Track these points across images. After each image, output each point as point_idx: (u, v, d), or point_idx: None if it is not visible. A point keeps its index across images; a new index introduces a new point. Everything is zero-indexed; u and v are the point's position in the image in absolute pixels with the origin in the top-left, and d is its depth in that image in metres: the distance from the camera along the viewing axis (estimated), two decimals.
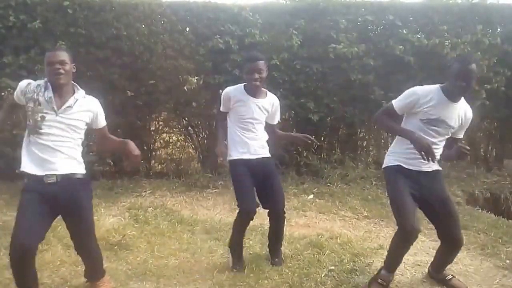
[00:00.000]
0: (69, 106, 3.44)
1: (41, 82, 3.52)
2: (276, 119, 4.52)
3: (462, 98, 3.81)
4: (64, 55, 3.42)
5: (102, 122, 3.89)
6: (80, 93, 3.61)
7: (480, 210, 6.33)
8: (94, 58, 6.59)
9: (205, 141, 7.81)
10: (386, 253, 4.68)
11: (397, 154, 3.94)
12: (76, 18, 6.50)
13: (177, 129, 7.99)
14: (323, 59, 7.13)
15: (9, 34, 6.48)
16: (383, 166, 4.04)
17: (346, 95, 7.27)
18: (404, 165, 3.86)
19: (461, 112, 3.83)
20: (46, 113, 3.39)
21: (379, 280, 3.99)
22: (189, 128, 7.79)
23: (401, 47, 6.92)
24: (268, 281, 4.08)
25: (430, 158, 3.48)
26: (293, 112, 7.39)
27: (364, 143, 8.33)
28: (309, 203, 6.37)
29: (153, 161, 7.88)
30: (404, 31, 7.01)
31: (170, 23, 6.79)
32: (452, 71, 3.61)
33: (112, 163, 7.46)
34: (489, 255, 4.81)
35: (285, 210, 4.37)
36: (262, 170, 4.29)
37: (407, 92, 3.83)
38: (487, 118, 8.14)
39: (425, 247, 4.88)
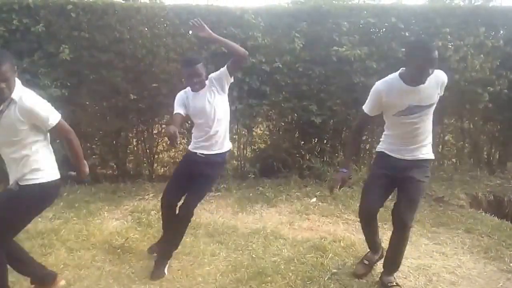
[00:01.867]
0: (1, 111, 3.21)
1: None
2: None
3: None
4: (8, 69, 3.11)
5: (49, 123, 3.34)
6: (15, 95, 3.21)
7: (483, 213, 6.30)
8: (97, 62, 6.60)
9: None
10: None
11: (384, 142, 4.14)
12: (79, 21, 6.52)
13: (180, 132, 7.98)
14: (326, 61, 7.12)
15: (13, 37, 6.51)
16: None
17: (348, 98, 7.26)
18: (387, 152, 4.07)
19: (433, 83, 3.71)
20: None
21: (364, 261, 4.40)
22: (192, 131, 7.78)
23: (403, 49, 6.91)
24: (271, 284, 4.09)
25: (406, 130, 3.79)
26: (295, 114, 7.39)
27: (367, 146, 8.30)
28: (312, 206, 6.36)
29: (155, 165, 7.88)
30: (407, 34, 7.01)
31: (173, 26, 6.80)
32: (414, 60, 3.56)
33: (115, 166, 7.48)
34: (493, 258, 4.79)
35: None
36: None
37: (371, 91, 3.97)
38: (490, 120, 8.12)
39: (428, 250, 4.87)
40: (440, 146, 8.22)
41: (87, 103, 6.81)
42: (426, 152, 3.97)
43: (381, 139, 4.21)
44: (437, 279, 4.26)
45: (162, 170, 8.01)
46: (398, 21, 7.03)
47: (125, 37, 6.61)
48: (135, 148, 7.76)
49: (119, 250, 4.71)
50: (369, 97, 3.96)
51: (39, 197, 3.44)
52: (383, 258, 4.26)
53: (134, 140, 7.74)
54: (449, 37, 6.99)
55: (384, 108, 3.90)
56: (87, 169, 3.65)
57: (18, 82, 3.25)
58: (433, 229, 5.54)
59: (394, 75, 3.84)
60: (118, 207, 6.17)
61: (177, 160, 7.99)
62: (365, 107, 3.99)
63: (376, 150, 4.26)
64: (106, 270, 4.27)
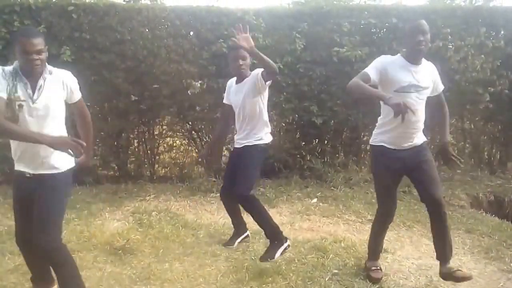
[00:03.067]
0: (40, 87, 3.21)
1: (10, 68, 3.23)
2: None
3: (423, 59, 3.89)
4: (40, 43, 3.12)
5: (75, 96, 3.48)
6: (47, 70, 3.26)
7: (484, 213, 6.31)
8: (98, 63, 6.63)
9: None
10: (390, 256, 4.73)
11: (381, 133, 4.11)
12: (81, 23, 6.54)
13: (181, 133, 8.01)
14: (327, 62, 7.14)
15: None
16: (370, 141, 4.31)
17: (349, 99, 7.23)
18: (387, 145, 4.02)
19: (429, 70, 3.93)
20: (23, 101, 3.18)
21: (375, 268, 4.30)
22: (193, 132, 7.80)
23: (404, 50, 6.91)
24: (272, 284, 4.08)
25: (407, 116, 3.49)
26: (296, 115, 7.40)
27: (368, 147, 8.29)
28: (312, 207, 6.37)
29: (157, 165, 7.90)
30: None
31: (174, 27, 6.82)
32: (406, 33, 3.85)
33: (116, 167, 7.49)
34: (493, 258, 4.79)
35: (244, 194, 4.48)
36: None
37: (375, 60, 4.02)
38: (491, 121, 8.13)
39: (429, 250, 4.86)
40: None
41: (88, 104, 6.72)
42: (421, 136, 4.01)
43: (376, 130, 4.21)
44: (437, 279, 4.24)
45: (163, 171, 8.02)
46: (399, 22, 7.04)
47: (126, 38, 6.64)
48: (136, 149, 7.78)
49: (120, 251, 4.71)
50: (373, 63, 3.99)
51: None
52: (436, 251, 4.11)
53: (135, 141, 7.76)
54: (449, 37, 7.00)
55: (386, 81, 3.86)
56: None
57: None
58: None
59: (396, 55, 3.98)
60: (119, 208, 6.17)
61: (178, 161, 8.02)
62: (369, 70, 3.94)
63: (372, 143, 4.23)
64: (107, 271, 4.27)
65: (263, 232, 4.66)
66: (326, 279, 4.20)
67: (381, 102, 3.91)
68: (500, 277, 4.39)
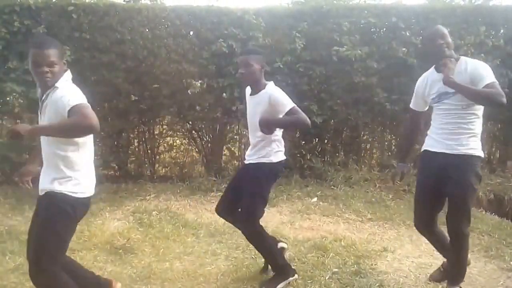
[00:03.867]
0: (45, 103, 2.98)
1: None
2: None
3: (462, 59, 3.73)
4: (53, 54, 2.91)
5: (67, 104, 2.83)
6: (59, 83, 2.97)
7: (483, 212, 6.33)
8: (98, 63, 6.63)
9: (209, 145, 7.83)
10: (390, 255, 4.74)
11: (428, 135, 3.93)
12: (81, 23, 6.55)
13: (181, 133, 8.01)
14: (326, 62, 7.14)
15: (14, 39, 6.54)
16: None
17: (349, 98, 7.27)
18: (430, 148, 3.84)
19: (463, 71, 3.63)
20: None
21: (441, 268, 4.25)
22: (193, 131, 7.81)
23: (404, 49, 6.93)
24: None
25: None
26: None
27: (368, 146, 8.32)
28: (313, 206, 6.38)
29: (157, 165, 7.91)
30: (407, 33, 7.01)
31: (174, 27, 6.83)
32: (425, 42, 3.84)
33: (116, 167, 7.49)
34: (493, 257, 4.80)
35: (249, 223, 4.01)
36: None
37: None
38: (490, 120, 8.11)
39: (429, 249, 4.86)
40: None
41: (88, 104, 6.82)
42: (468, 147, 3.66)
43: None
44: None
45: (163, 171, 8.03)
46: (398, 21, 7.04)
47: (126, 38, 6.64)
48: (137, 149, 7.78)
49: (120, 251, 4.72)
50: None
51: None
52: (447, 271, 4.08)
53: (136, 140, 7.76)
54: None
55: (424, 99, 3.91)
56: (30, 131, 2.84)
57: (67, 75, 3.05)
58: None
59: (431, 68, 3.92)
60: (120, 207, 6.19)
61: (178, 160, 8.02)
62: (411, 104, 4.08)
63: (421, 149, 4.03)
64: (107, 271, 4.28)
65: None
66: (326, 278, 4.21)
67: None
68: (500, 276, 4.40)
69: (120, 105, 6.90)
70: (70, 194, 3.04)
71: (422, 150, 3.96)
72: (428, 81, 3.85)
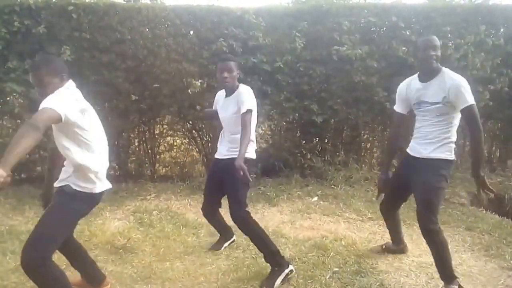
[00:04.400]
0: None
1: None
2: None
3: (445, 73, 3.86)
4: (44, 74, 3.13)
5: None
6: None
7: (484, 211, 6.31)
8: (98, 62, 6.63)
9: (209, 144, 7.82)
10: (390, 254, 4.75)
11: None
12: (81, 22, 6.54)
13: (181, 133, 8.01)
14: (327, 61, 7.13)
15: (14, 39, 6.54)
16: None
17: (349, 97, 7.27)
18: (409, 151, 4.18)
19: (442, 85, 3.81)
20: None
21: (383, 245, 4.88)
22: (193, 131, 7.81)
23: (404, 48, 6.92)
24: None
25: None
26: (297, 114, 7.40)
27: (368, 145, 8.32)
28: (313, 205, 6.38)
29: (157, 165, 7.91)
30: (407, 33, 7.00)
31: (174, 26, 6.82)
32: (418, 47, 3.92)
33: (116, 166, 7.49)
34: (494, 256, 4.80)
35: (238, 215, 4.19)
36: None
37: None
38: (491, 119, 8.12)
39: (429, 248, 4.88)
40: None
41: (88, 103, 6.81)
42: (437, 151, 3.92)
43: None
44: (438, 276, 4.23)
45: (163, 170, 8.03)
46: (398, 20, 7.03)
47: (126, 37, 6.64)
48: (137, 149, 7.79)
49: (121, 250, 4.73)
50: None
51: None
52: None
53: (136, 140, 7.77)
54: (449, 35, 7.01)
55: (407, 102, 4.18)
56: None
57: (69, 84, 3.26)
58: None
59: (414, 75, 4.15)
60: (120, 207, 6.19)
61: (178, 160, 8.01)
62: (395, 106, 4.34)
63: None
64: (108, 270, 4.27)
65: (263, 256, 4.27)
66: (327, 277, 4.20)
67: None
68: (500, 275, 4.40)
69: (120, 105, 6.90)
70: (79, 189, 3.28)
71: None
72: (411, 87, 4.10)
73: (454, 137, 3.93)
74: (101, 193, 3.54)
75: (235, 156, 3.98)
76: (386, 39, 7.17)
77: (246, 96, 4.20)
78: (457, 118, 3.88)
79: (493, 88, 7.17)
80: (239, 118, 4.15)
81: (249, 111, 4.12)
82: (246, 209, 4.23)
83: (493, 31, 7.42)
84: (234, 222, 4.21)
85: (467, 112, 3.72)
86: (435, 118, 3.90)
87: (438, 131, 3.91)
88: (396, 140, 4.41)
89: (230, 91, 4.39)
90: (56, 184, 3.35)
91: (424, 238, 3.95)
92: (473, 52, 7.03)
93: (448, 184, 4.15)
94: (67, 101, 3.05)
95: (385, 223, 4.85)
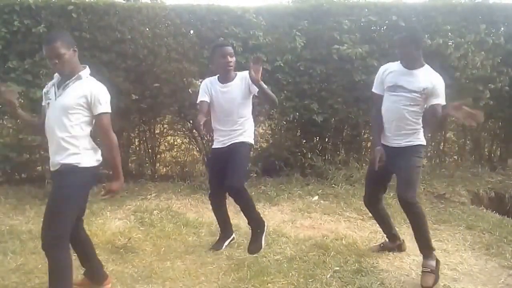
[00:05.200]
0: (65, 86, 3.42)
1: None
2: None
3: (428, 67, 4.16)
4: (58, 48, 3.33)
5: (97, 108, 3.49)
6: (83, 74, 3.50)
7: (484, 210, 6.32)
8: (98, 62, 6.62)
9: (210, 144, 7.81)
10: (391, 253, 4.75)
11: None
12: (81, 22, 6.54)
13: (182, 132, 8.00)
14: (327, 60, 7.13)
15: (14, 38, 6.53)
16: None
17: (350, 96, 7.26)
18: (384, 142, 4.37)
19: (426, 78, 4.07)
20: (50, 99, 3.46)
21: (381, 244, 4.93)
22: (194, 130, 7.79)
23: None
24: (273, 282, 4.09)
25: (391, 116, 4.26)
26: (297, 113, 7.38)
27: (369, 144, 8.30)
28: (313, 205, 6.38)
29: (158, 164, 7.90)
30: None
31: (174, 26, 6.81)
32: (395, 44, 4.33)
33: None
34: (494, 254, 4.80)
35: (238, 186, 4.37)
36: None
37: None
38: (491, 117, 8.12)
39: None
40: (442, 144, 8.23)
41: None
42: (412, 139, 4.23)
43: None
44: (438, 275, 4.27)
45: (164, 170, 8.02)
46: (399, 19, 7.02)
47: (126, 37, 6.63)
48: (137, 148, 7.78)
49: (122, 250, 4.73)
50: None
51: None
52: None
53: (136, 140, 7.76)
54: (449, 34, 7.00)
55: (382, 83, 4.39)
56: (120, 183, 3.74)
57: (87, 69, 3.57)
58: (434, 226, 5.55)
59: (396, 61, 4.36)
60: (121, 207, 6.18)
61: (179, 159, 8.01)
62: (373, 88, 4.55)
63: None
64: (109, 270, 4.26)
65: (247, 222, 4.58)
66: (328, 276, 4.21)
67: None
68: (501, 273, 4.40)
69: (120, 104, 6.87)
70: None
71: None
72: (390, 69, 4.33)
73: (421, 124, 4.20)
74: None
75: (240, 140, 4.43)
76: (386, 38, 7.16)
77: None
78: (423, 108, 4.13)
79: (493, 87, 7.16)
80: (248, 101, 4.47)
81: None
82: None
83: (493, 30, 7.41)
84: (230, 191, 4.42)
85: (433, 111, 4.04)
86: (408, 107, 4.13)
87: (411, 121, 4.17)
88: (380, 119, 4.42)
89: (228, 78, 4.44)
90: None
91: (404, 210, 4.24)
92: (473, 51, 7.02)
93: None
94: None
95: (373, 217, 4.99)
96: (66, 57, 3.35)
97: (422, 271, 4.14)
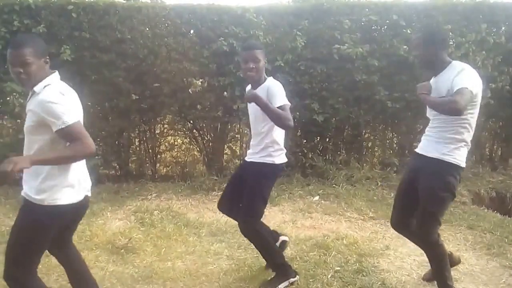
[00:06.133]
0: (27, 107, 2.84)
1: None
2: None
3: (454, 65, 3.63)
4: (26, 55, 2.73)
5: (54, 125, 2.71)
6: (37, 87, 2.80)
7: (485, 210, 6.31)
8: (98, 62, 6.62)
9: (210, 144, 7.82)
10: (392, 253, 4.73)
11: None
12: (80, 22, 6.53)
13: (182, 132, 8.00)
14: (327, 60, 7.12)
15: None
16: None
17: (350, 96, 7.25)
18: (416, 149, 3.86)
19: (447, 77, 3.53)
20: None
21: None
22: (194, 130, 7.79)
23: (405, 47, 6.89)
24: None
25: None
26: (298, 113, 7.36)
27: (369, 144, 8.30)
28: (314, 205, 6.37)
29: (158, 164, 7.89)
30: (408, 31, 6.98)
31: (174, 26, 6.81)
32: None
33: (117, 166, 7.48)
34: (495, 254, 4.80)
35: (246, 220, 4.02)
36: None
37: None
38: (492, 117, 8.11)
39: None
40: None
41: (89, 103, 6.78)
42: (442, 152, 3.57)
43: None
44: None
45: (164, 170, 8.02)
46: (399, 19, 7.02)
47: (126, 37, 6.63)
48: (138, 148, 7.77)
49: (122, 250, 4.72)
50: None
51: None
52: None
53: (137, 140, 7.76)
54: (450, 34, 6.98)
55: None
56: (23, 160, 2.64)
57: (55, 76, 2.92)
58: None
59: None
60: (121, 207, 6.18)
61: (180, 159, 8.00)
62: None
63: None
64: (109, 271, 4.27)
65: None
66: (329, 276, 4.21)
67: None
68: (502, 273, 4.40)
69: (120, 104, 6.89)
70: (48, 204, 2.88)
71: None
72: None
73: (468, 141, 3.65)
74: None
75: (258, 161, 3.94)
76: (387, 37, 7.15)
77: (277, 89, 3.81)
78: (474, 118, 3.64)
79: (494, 87, 7.15)
80: (265, 116, 3.75)
81: (286, 105, 3.72)
82: (258, 222, 4.05)
83: (494, 29, 7.41)
84: (243, 230, 4.02)
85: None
86: (444, 121, 3.57)
87: (448, 131, 3.58)
88: None
89: (255, 84, 3.94)
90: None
91: (422, 248, 3.94)
92: (474, 51, 7.01)
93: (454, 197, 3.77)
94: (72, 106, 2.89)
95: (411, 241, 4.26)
96: (33, 68, 2.76)
97: None
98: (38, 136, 2.82)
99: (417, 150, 3.84)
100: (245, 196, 3.98)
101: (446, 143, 3.57)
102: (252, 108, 3.98)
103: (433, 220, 3.65)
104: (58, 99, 2.74)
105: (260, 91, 3.82)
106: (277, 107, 3.66)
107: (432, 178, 3.57)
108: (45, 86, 2.80)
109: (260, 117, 3.86)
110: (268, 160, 3.93)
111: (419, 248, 4.31)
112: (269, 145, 3.92)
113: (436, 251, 3.75)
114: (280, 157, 3.98)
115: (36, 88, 2.78)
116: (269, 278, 4.08)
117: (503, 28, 7.53)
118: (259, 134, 3.96)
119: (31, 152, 2.85)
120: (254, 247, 4.23)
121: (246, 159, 4.16)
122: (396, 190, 4.07)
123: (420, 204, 3.64)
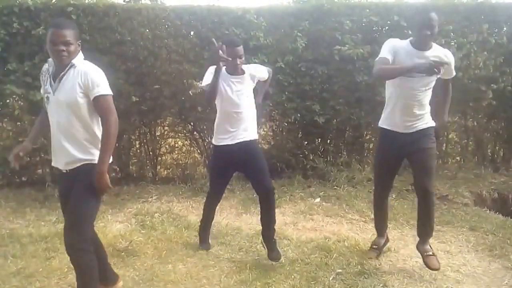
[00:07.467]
0: (61, 79, 3.28)
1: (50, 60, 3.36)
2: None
3: (436, 45, 4.16)
4: (69, 34, 3.19)
5: (93, 91, 3.34)
6: (75, 61, 3.31)
7: (488, 211, 6.28)
8: (98, 64, 6.57)
9: (211, 146, 7.79)
10: (393, 255, 4.72)
11: (386, 117, 4.42)
12: (80, 23, 6.50)
13: (183, 134, 7.97)
14: (328, 61, 7.10)
15: (13, 41, 6.50)
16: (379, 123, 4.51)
17: (352, 97, 7.23)
18: (390, 128, 4.34)
19: (437, 57, 4.01)
20: (48, 92, 3.32)
21: (373, 246, 4.79)
22: (195, 133, 7.77)
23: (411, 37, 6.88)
24: (275, 285, 4.08)
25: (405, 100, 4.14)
26: (298, 114, 7.34)
27: (371, 145, 8.27)
28: (316, 207, 6.35)
29: (159, 167, 7.87)
30: (409, 32, 6.95)
31: (174, 27, 6.80)
32: (415, 23, 4.11)
33: (118, 169, 7.46)
34: (498, 256, 4.78)
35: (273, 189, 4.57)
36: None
37: (386, 43, 4.25)
38: (494, 118, 8.09)
39: (433, 248, 4.84)
40: (444, 144, 8.19)
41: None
42: (426, 121, 4.23)
43: (382, 116, 4.49)
44: (441, 277, 4.25)
45: (165, 172, 8.00)
46: (400, 19, 6.99)
47: (126, 39, 6.61)
48: (138, 151, 7.75)
49: (123, 253, 4.71)
50: (385, 47, 4.20)
51: None
52: (417, 229, 4.47)
53: (137, 142, 7.73)
54: (452, 34, 6.98)
55: (394, 63, 4.11)
56: (104, 174, 3.50)
57: (81, 55, 3.39)
58: (437, 228, 5.49)
59: (405, 40, 4.23)
60: (122, 210, 6.16)
61: (180, 162, 7.98)
62: (382, 54, 4.16)
63: (380, 125, 4.52)
64: None
65: (269, 232, 4.54)
66: (330, 278, 4.19)
67: (388, 84, 4.31)
68: (504, 275, 4.38)
69: (120, 106, 6.83)
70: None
71: (382, 127, 4.44)
72: (401, 46, 4.17)
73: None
74: None
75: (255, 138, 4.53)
76: (388, 38, 7.11)
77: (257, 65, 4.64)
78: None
79: (496, 87, 7.14)
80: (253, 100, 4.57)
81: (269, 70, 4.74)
82: None
83: (496, 29, 7.40)
84: (267, 192, 4.49)
85: (448, 82, 4.35)
86: (424, 92, 4.12)
87: (423, 105, 4.18)
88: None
89: (236, 73, 4.52)
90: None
91: (422, 198, 4.21)
92: (476, 51, 7.00)
93: None
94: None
95: (376, 216, 4.89)
96: (72, 48, 3.23)
97: (426, 255, 4.28)
98: (82, 112, 3.32)
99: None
100: (257, 166, 4.54)
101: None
102: (238, 93, 4.50)
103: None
104: (99, 70, 3.41)
105: (244, 77, 4.61)
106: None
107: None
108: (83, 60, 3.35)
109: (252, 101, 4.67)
110: (257, 136, 4.67)
111: (418, 235, 4.37)
112: (254, 122, 4.61)
113: (433, 199, 4.24)
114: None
115: (74, 61, 3.27)
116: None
117: (505, 28, 7.51)
118: (252, 115, 4.61)
119: (72, 130, 3.32)
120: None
121: (239, 140, 4.47)
122: (382, 168, 4.59)
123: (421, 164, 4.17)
